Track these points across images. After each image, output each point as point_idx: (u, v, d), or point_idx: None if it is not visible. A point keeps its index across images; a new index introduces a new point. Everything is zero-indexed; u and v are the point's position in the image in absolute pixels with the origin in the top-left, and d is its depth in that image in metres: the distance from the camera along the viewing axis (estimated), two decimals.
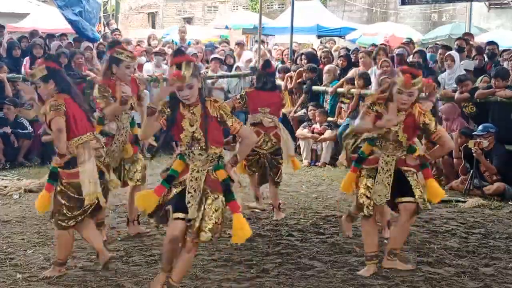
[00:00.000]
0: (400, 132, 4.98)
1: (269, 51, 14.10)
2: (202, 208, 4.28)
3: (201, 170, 4.32)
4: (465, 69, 9.52)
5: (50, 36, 12.22)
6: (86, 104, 5.16)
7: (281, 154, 6.81)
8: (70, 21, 12.13)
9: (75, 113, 4.89)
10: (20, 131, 9.68)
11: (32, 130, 9.79)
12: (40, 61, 5.25)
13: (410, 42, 12.37)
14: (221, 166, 4.36)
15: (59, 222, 4.96)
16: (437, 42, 13.73)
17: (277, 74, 12.22)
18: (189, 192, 4.29)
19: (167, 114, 4.30)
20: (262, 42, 15.19)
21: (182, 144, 4.38)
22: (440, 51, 10.42)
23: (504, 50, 10.63)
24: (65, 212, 4.92)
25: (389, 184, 5.02)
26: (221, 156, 4.39)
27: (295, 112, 11.30)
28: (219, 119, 4.31)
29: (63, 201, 4.90)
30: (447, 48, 10.47)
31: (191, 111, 4.30)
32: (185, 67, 4.18)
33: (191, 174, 4.31)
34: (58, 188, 4.94)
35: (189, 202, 4.28)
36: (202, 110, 4.29)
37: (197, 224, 4.26)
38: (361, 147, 5.24)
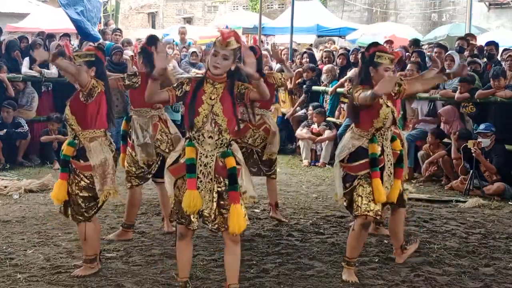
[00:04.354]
0: (391, 107, 4.92)
1: (268, 51, 14.05)
2: (214, 198, 4.19)
3: (209, 156, 4.20)
4: None
5: (50, 36, 12.19)
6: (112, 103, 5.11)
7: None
8: (73, 20, 12.11)
9: (101, 105, 4.88)
10: (15, 130, 9.63)
11: (27, 129, 9.76)
12: (91, 47, 5.26)
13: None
14: (230, 153, 4.22)
15: (77, 216, 4.91)
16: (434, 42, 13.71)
17: None
18: (198, 178, 4.18)
19: (184, 90, 4.20)
20: (262, 42, 15.19)
21: (195, 125, 4.19)
22: (436, 49, 10.26)
23: (505, 50, 10.62)
24: (81, 203, 4.87)
25: (392, 173, 5.01)
26: (230, 144, 4.27)
27: (295, 112, 11.31)
28: (238, 94, 4.20)
29: (77, 191, 4.85)
30: (443, 47, 10.32)
31: (214, 87, 4.21)
32: (234, 40, 4.14)
33: (199, 159, 4.20)
34: (71, 177, 4.86)
35: (198, 188, 4.17)
36: (227, 87, 4.19)
37: (212, 216, 4.20)
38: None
